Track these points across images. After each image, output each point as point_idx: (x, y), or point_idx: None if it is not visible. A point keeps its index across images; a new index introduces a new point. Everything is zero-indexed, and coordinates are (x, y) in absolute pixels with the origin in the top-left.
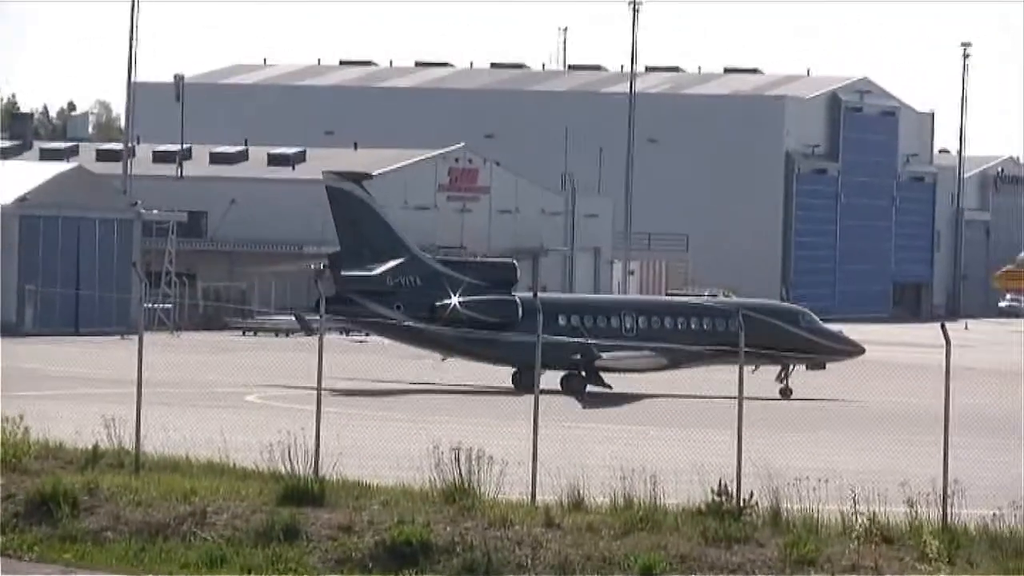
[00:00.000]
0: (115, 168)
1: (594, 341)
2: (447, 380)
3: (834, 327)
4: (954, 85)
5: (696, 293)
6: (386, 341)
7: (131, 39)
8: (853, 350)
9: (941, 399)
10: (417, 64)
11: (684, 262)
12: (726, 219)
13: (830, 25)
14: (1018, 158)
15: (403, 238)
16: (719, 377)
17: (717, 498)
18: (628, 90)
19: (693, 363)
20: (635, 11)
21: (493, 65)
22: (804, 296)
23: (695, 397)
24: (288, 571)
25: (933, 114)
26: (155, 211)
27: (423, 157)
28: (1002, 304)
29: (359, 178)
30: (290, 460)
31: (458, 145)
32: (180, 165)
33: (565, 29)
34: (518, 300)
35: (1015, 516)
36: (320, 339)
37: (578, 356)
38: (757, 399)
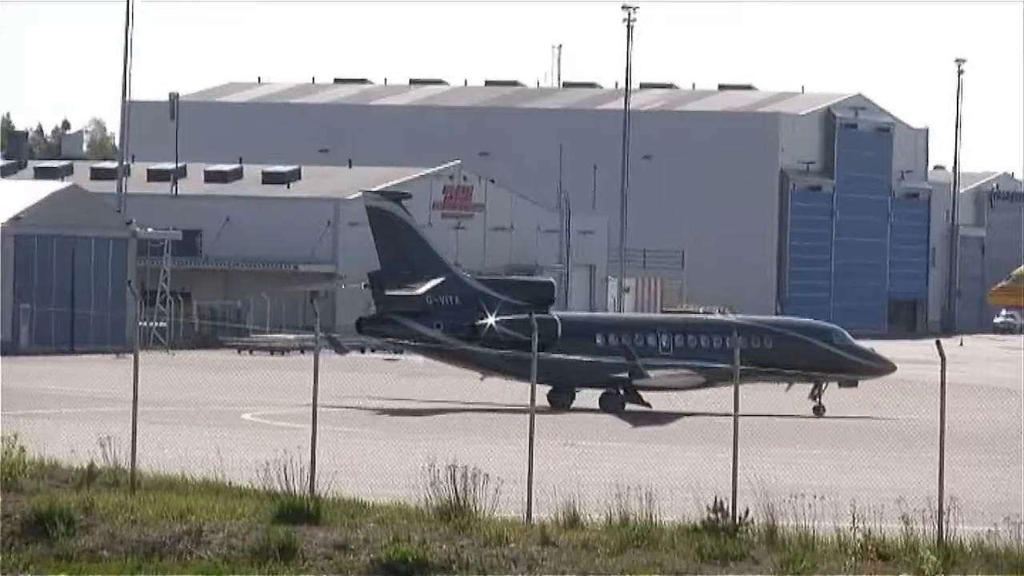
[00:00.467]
0: (110, 186)
1: (614, 360)
2: (477, 399)
3: (865, 344)
4: (949, 101)
5: (692, 310)
6: (419, 359)
7: (126, 57)
8: (885, 368)
9: (936, 415)
10: (411, 82)
11: (679, 279)
12: (721, 236)
13: (824, 42)
14: (1013, 174)
15: (442, 257)
16: (757, 396)
17: (712, 515)
18: (623, 107)
19: (727, 381)
20: (629, 28)
21: (487, 82)
22: (799, 313)
23: (731, 416)
24: None
25: (928, 130)
26: (150, 229)
27: (418, 175)
28: (997, 320)
29: (399, 197)
30: (286, 478)
31: (453, 163)
32: (175, 183)
33: (559, 46)
34: (557, 319)
35: (1010, 532)
36: (316, 357)
37: (627, 375)
38: (792, 416)
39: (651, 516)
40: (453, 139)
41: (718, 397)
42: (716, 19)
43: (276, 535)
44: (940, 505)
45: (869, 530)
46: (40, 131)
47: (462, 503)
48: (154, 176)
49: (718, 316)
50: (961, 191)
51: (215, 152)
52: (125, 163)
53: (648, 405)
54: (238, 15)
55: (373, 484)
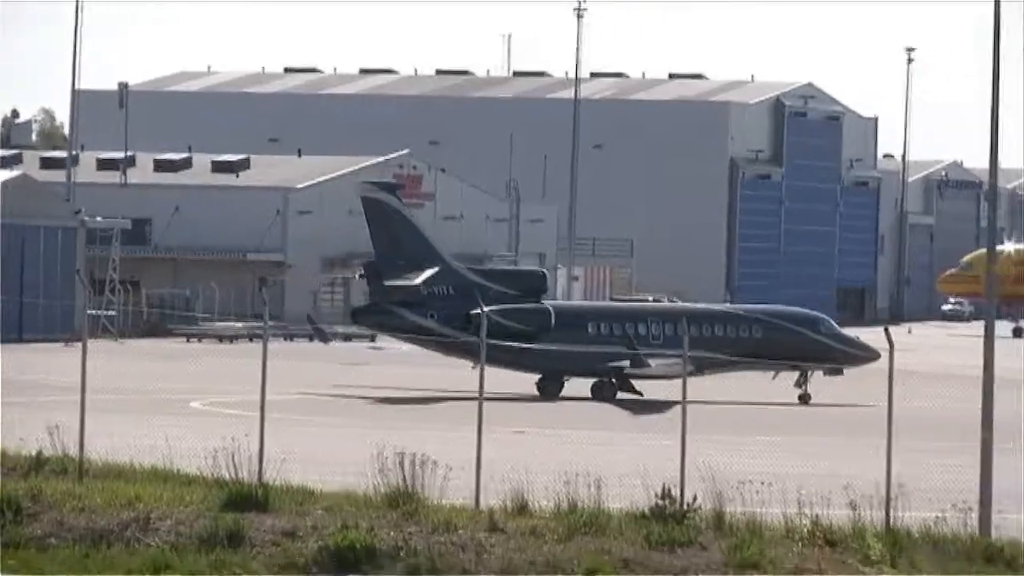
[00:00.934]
0: (59, 176)
1: (611, 349)
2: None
3: (850, 332)
4: (898, 90)
5: (641, 298)
6: (404, 347)
7: (75, 46)
8: (870, 356)
9: (885, 402)
10: (361, 71)
11: (629, 268)
12: (671, 224)
13: (774, 31)
14: (962, 162)
15: (436, 247)
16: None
17: (660, 502)
18: (573, 96)
19: (717, 369)
20: (579, 17)
21: (438, 72)
22: (748, 301)
23: (730, 404)
24: None
25: (877, 119)
26: (99, 218)
27: (368, 163)
28: (945, 308)
29: (394, 188)
30: (234, 466)
31: (403, 152)
32: (124, 172)
33: (509, 36)
34: (550, 309)
35: (958, 519)
36: (264, 345)
37: (627, 364)
38: (779, 404)
39: (599, 503)
40: (403, 128)
41: (710, 385)
42: (666, 8)
43: (224, 522)
44: (888, 492)
45: (817, 516)
46: None
47: (410, 490)
48: (103, 165)
49: (701, 305)
50: (910, 179)
51: (165, 141)
52: (74, 152)
53: (640, 393)
54: (188, 5)
55: (322, 471)
